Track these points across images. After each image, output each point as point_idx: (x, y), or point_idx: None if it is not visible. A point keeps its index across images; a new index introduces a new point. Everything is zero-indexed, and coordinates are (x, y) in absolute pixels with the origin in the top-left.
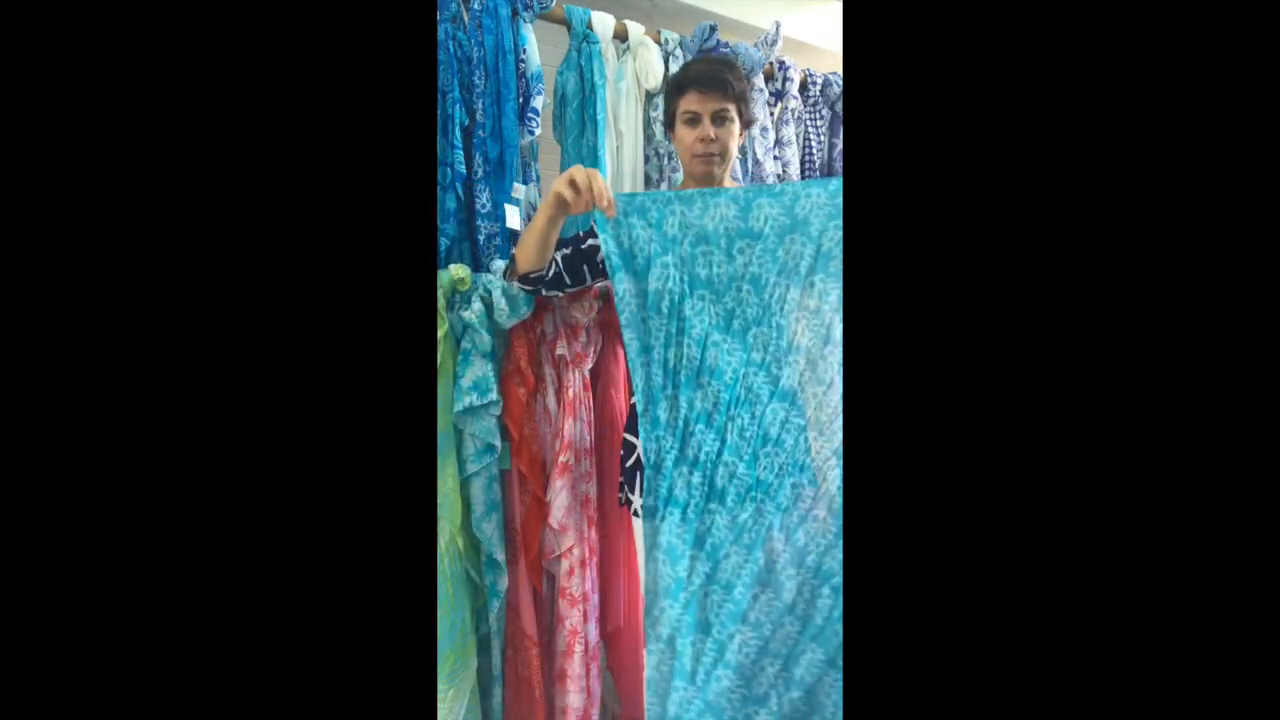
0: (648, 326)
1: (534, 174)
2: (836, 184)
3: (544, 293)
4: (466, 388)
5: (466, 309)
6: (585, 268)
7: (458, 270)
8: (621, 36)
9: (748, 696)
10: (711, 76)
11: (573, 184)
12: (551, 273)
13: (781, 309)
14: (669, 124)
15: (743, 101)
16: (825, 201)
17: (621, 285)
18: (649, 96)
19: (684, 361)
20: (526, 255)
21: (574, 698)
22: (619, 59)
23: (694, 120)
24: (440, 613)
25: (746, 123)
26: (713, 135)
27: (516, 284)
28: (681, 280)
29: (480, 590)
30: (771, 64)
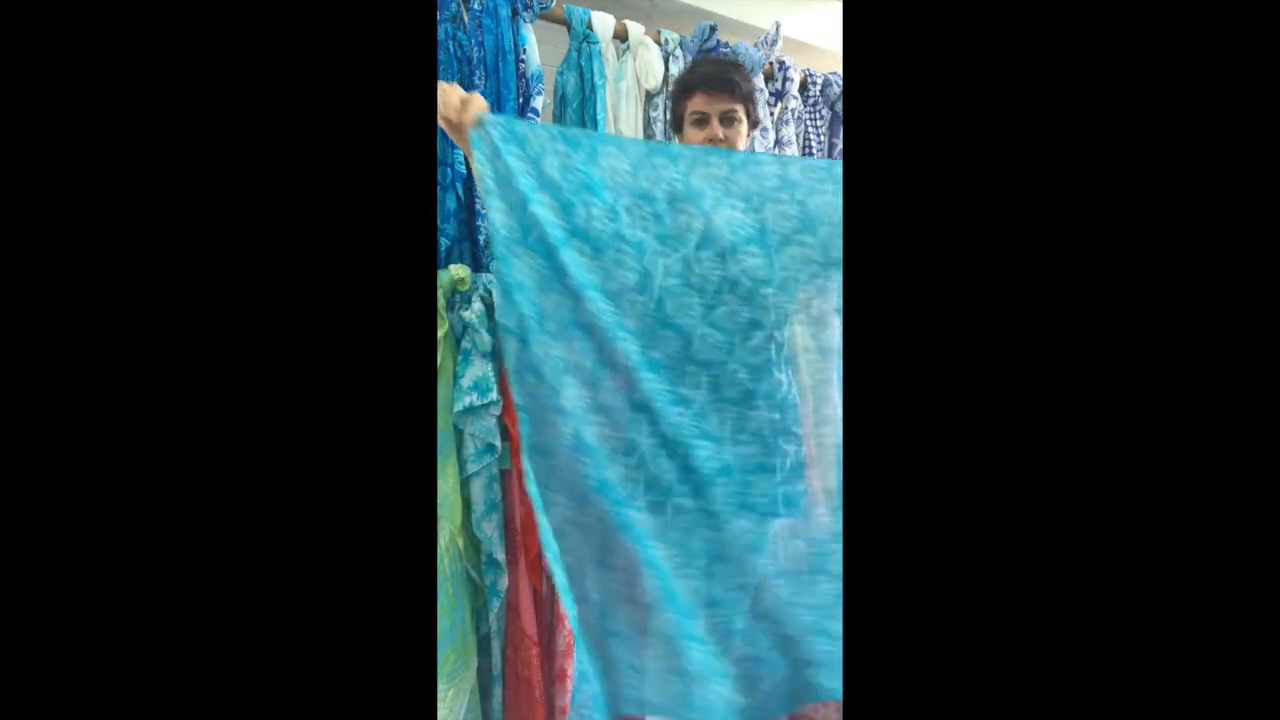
0: (522, 262)
1: None
2: (742, 158)
3: None
4: (466, 388)
5: (466, 309)
6: None
7: (458, 270)
8: (621, 36)
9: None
10: (719, 77)
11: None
12: None
13: (660, 277)
14: (676, 125)
15: (750, 102)
16: (724, 175)
17: (495, 213)
18: (649, 96)
19: (555, 309)
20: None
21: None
22: (619, 59)
23: (702, 121)
24: (440, 613)
25: (754, 123)
26: (721, 135)
27: None
28: (558, 225)
29: (480, 590)
30: (771, 64)
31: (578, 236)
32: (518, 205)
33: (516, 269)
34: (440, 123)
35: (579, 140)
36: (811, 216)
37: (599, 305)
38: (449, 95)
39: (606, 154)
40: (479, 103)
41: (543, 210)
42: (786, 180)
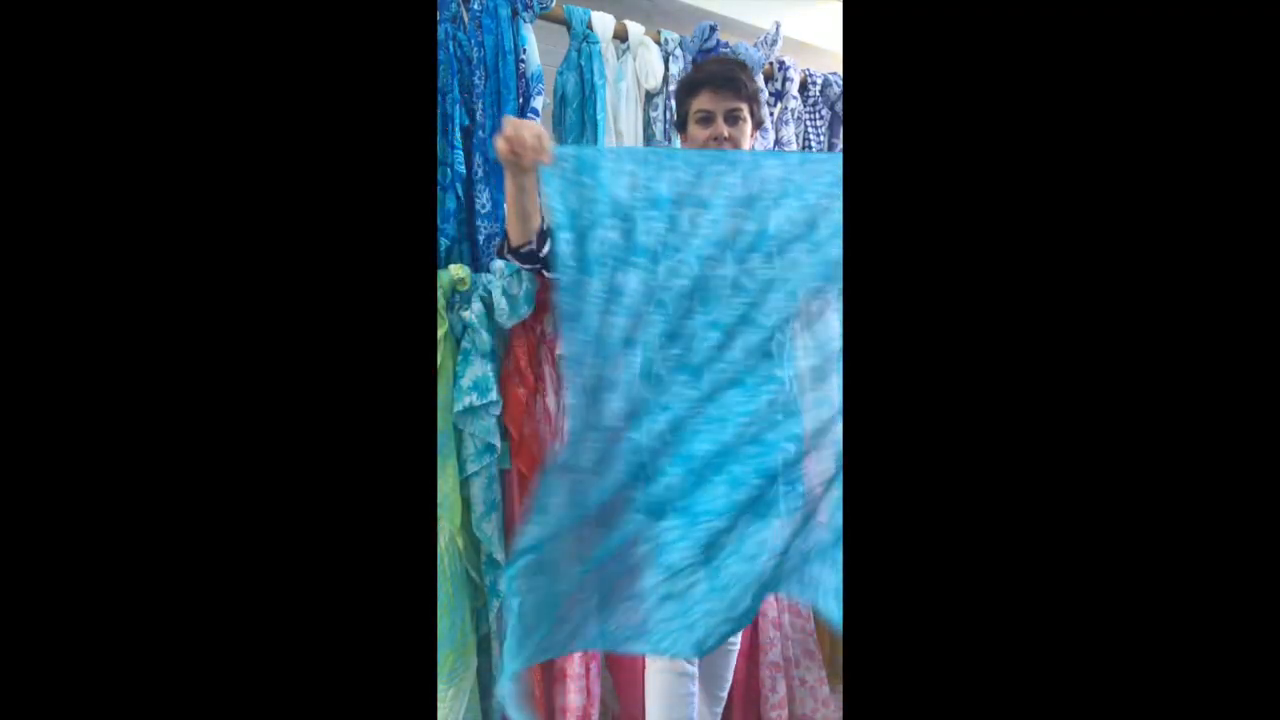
0: (583, 291)
1: None
2: (798, 159)
3: (546, 273)
4: (466, 388)
5: (466, 309)
6: None
7: (458, 270)
8: (621, 36)
9: None
10: (725, 76)
11: (506, 139)
12: (548, 248)
13: (712, 283)
14: (680, 125)
15: (755, 101)
16: (781, 176)
17: (564, 246)
18: (649, 97)
19: (611, 329)
20: (511, 227)
21: (574, 698)
22: (619, 59)
23: (707, 119)
24: (440, 613)
25: (758, 123)
26: (726, 134)
27: (510, 258)
28: (621, 245)
29: (480, 590)
30: (771, 64)
31: (639, 252)
32: (587, 232)
33: (577, 297)
34: (504, 158)
35: (646, 159)
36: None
37: (654, 317)
38: (520, 131)
39: (672, 166)
40: (549, 139)
41: (610, 233)
42: (839, 178)
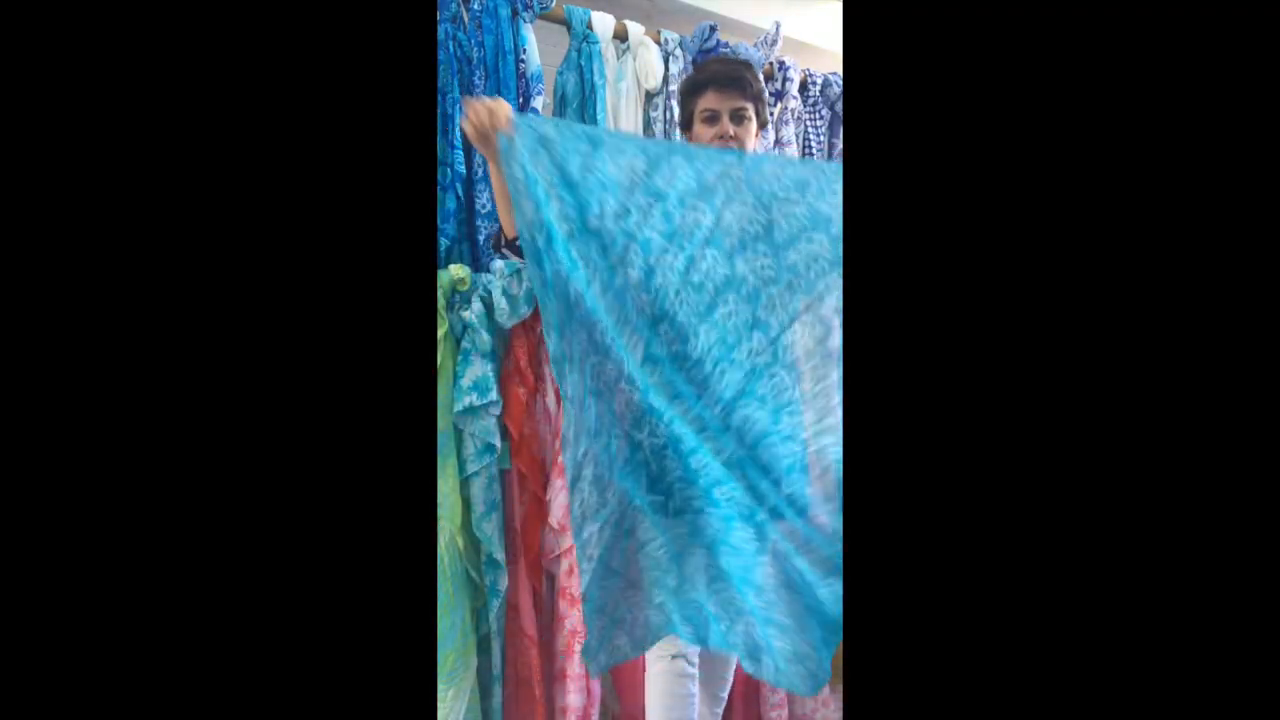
0: (554, 257)
1: None
2: (756, 160)
3: None
4: (466, 388)
5: (466, 309)
6: None
7: (458, 270)
8: (621, 36)
9: None
10: (730, 75)
11: (466, 119)
12: None
13: (665, 275)
14: (685, 124)
15: (760, 101)
16: (739, 175)
17: (525, 214)
18: (649, 96)
19: (567, 303)
20: (502, 217)
21: (574, 698)
22: (619, 59)
23: (713, 119)
24: (440, 613)
25: (762, 123)
26: (731, 133)
27: (507, 252)
28: (571, 224)
29: (480, 590)
30: (771, 64)
31: (589, 234)
32: (544, 203)
33: (546, 264)
34: (467, 131)
35: (600, 141)
36: (825, 216)
37: (601, 303)
38: (473, 104)
39: (625, 152)
40: (505, 107)
41: (562, 208)
42: (799, 181)
